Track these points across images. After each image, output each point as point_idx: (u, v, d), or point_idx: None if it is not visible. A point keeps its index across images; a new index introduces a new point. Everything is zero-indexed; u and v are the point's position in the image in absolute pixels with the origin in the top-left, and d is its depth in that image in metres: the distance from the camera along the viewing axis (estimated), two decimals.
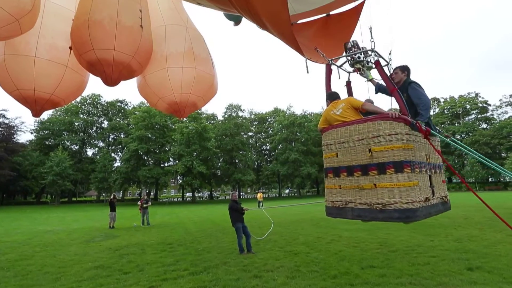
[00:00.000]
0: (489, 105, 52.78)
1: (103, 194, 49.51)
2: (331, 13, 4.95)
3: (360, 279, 4.87)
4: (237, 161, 49.04)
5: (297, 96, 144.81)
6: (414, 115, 3.05)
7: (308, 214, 16.34)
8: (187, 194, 62.80)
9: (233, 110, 52.56)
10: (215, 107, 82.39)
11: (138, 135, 40.49)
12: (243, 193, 70.00)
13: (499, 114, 51.65)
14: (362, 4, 4.78)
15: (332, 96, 3.37)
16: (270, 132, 58.31)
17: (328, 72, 3.46)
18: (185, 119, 47.09)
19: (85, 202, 51.18)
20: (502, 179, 47.83)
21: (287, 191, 72.29)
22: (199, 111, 46.09)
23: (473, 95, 54.08)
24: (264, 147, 60.08)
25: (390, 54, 3.15)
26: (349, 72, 3.49)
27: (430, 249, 6.92)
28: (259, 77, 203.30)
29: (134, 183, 44.04)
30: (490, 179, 49.30)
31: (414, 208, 2.53)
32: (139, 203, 14.75)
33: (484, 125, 51.90)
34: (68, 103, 6.07)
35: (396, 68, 3.31)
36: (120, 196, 48.97)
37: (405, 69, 3.29)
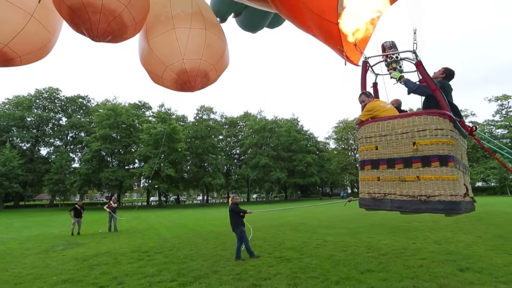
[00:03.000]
0: None
1: (57, 198, 45.50)
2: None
3: (364, 284, 4.71)
4: (206, 164, 47.93)
5: (268, 102, 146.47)
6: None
7: (284, 219, 16.20)
8: (152, 198, 60.07)
9: (204, 112, 51.45)
10: (186, 109, 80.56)
11: (102, 134, 37.81)
12: (210, 198, 68.60)
13: None
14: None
15: (370, 95, 3.48)
16: (240, 136, 57.95)
17: (364, 69, 3.45)
18: (153, 119, 45.20)
19: (35, 206, 46.44)
20: None
21: (254, 196, 72.21)
22: (168, 111, 44.47)
23: None
24: (234, 151, 59.51)
25: (416, 53, 3.16)
26: (376, 74, 3.56)
27: (417, 251, 7.03)
28: (231, 80, 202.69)
29: (94, 185, 40.98)
30: None
31: (457, 201, 2.59)
32: (106, 207, 13.53)
33: None
34: (25, 63, 4.84)
35: (441, 68, 3.49)
36: (78, 199, 45.38)
37: (444, 71, 3.48)
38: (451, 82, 3.49)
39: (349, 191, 63.54)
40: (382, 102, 3.35)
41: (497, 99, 48.21)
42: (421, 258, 6.34)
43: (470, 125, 3.04)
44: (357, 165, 3.18)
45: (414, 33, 3.07)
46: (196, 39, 4.91)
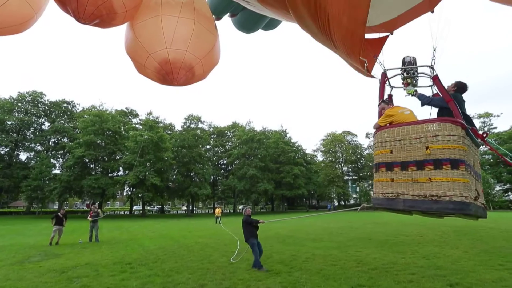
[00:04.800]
0: None
1: (34, 205, 43.55)
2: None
3: None
4: (193, 174, 47.23)
5: (257, 112, 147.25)
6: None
7: (271, 231, 15.98)
8: (135, 207, 58.40)
9: (192, 121, 51.07)
10: (174, 118, 79.52)
11: (86, 140, 36.72)
12: (195, 208, 67.35)
13: None
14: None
15: (389, 102, 3.66)
16: (228, 146, 57.66)
17: (383, 80, 3.62)
18: (139, 126, 44.40)
19: (10, 213, 44.19)
20: None
21: (241, 206, 71.45)
22: (156, 119, 43.86)
23: None
24: (221, 161, 59.05)
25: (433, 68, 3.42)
26: (392, 87, 3.74)
27: (406, 266, 7.00)
28: (220, 89, 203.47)
29: (75, 193, 39.47)
30: None
31: (467, 202, 2.73)
32: (89, 217, 12.93)
33: None
34: (3, 34, 4.55)
35: (454, 82, 3.77)
36: (56, 207, 43.56)
37: (456, 85, 3.74)
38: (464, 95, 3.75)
39: (336, 203, 63.82)
40: (400, 108, 3.50)
41: (479, 116, 50.25)
42: (410, 273, 6.31)
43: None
44: (372, 168, 3.32)
45: (434, 50, 3.32)
46: (183, 28, 4.67)
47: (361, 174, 62.93)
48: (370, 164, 61.21)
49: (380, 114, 3.58)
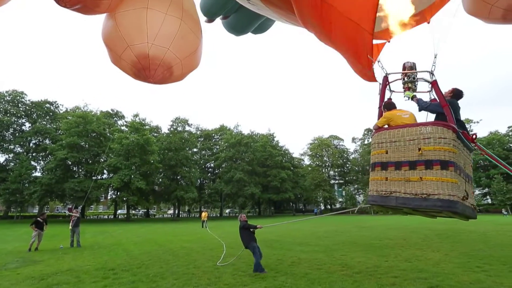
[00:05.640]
0: None
1: (13, 209, 41.85)
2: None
3: None
4: (179, 177, 46.64)
5: (245, 116, 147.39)
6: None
7: (258, 236, 15.70)
8: (119, 211, 57.10)
9: (179, 124, 50.55)
10: (160, 120, 78.27)
11: (69, 142, 35.68)
12: (181, 212, 66.46)
13: None
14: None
15: (392, 105, 3.81)
16: (215, 149, 57.34)
17: (385, 84, 3.75)
18: (125, 128, 43.57)
19: None
20: None
21: (227, 210, 71.06)
22: (142, 121, 43.17)
23: None
24: (208, 164, 58.60)
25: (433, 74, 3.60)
26: (392, 91, 3.90)
27: (389, 269, 7.14)
28: (209, 92, 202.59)
29: (57, 196, 38.20)
30: None
31: (455, 200, 2.90)
32: (71, 226, 12.47)
33: None
34: None
35: (451, 88, 3.96)
36: (36, 211, 42.02)
37: (452, 91, 3.93)
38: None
39: (322, 207, 64.38)
40: (400, 111, 3.68)
41: None
42: (393, 276, 6.44)
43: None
44: (369, 167, 3.49)
45: (435, 57, 3.49)
46: (169, 26, 4.56)
47: (347, 178, 63.80)
48: (356, 168, 62.22)
49: (380, 116, 3.76)
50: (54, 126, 43.03)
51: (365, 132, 63.04)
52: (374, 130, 3.70)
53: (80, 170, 39.95)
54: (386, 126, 3.68)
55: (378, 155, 3.51)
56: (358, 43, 3.34)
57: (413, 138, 3.23)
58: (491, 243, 11.49)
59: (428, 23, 4.99)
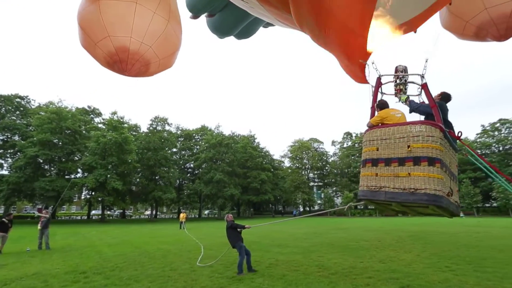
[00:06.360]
0: None
1: None
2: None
3: None
4: (158, 177, 45.65)
5: (226, 117, 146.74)
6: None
7: None
8: (94, 212, 55.01)
9: (159, 123, 49.52)
10: (139, 119, 75.59)
11: (41, 139, 33.93)
12: (159, 213, 65.05)
13: None
14: None
15: (385, 105, 3.98)
16: (196, 150, 56.65)
17: (378, 85, 3.90)
18: (103, 126, 42.11)
19: None
20: None
21: (206, 212, 70.38)
22: (121, 119, 41.90)
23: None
24: (188, 165, 57.78)
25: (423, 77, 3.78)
26: (383, 93, 4.02)
27: (364, 270, 7.32)
28: (189, 91, 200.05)
29: (25, 196, 36.20)
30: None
31: (440, 195, 3.05)
32: (39, 226, 11.82)
33: None
34: None
35: (440, 92, 4.20)
36: (2, 211, 39.55)
37: (441, 94, 4.17)
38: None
39: (301, 209, 65.16)
40: (393, 111, 3.85)
41: None
42: (367, 277, 6.60)
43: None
44: (360, 164, 3.66)
45: (426, 61, 3.66)
46: (156, 25, 4.63)
47: (326, 181, 64.90)
48: (335, 171, 63.46)
49: (373, 115, 3.90)
50: (25, 122, 40.79)
51: (345, 136, 64.46)
52: (367, 128, 3.83)
53: (52, 168, 38.13)
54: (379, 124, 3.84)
55: (369, 152, 3.65)
56: (352, 47, 3.42)
57: (403, 136, 3.38)
58: (459, 243, 12.08)
59: (415, 32, 5.19)
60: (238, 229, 7.51)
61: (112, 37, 4.45)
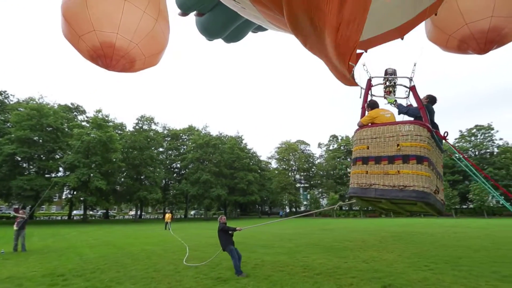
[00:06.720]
0: None
1: None
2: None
3: None
4: (143, 177, 44.83)
5: (214, 117, 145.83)
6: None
7: None
8: (75, 212, 53.44)
9: (145, 122, 48.68)
10: (125, 117, 73.92)
11: (19, 136, 32.62)
12: (144, 213, 63.88)
13: None
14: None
15: (376, 104, 4.09)
16: (183, 150, 56.02)
17: (368, 86, 4.01)
18: (87, 124, 40.99)
19: None
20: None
21: (192, 212, 69.72)
22: (106, 117, 40.89)
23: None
24: (174, 165, 57.06)
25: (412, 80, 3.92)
26: (372, 95, 4.15)
27: (348, 270, 7.42)
28: (177, 91, 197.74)
29: (1, 195, 34.70)
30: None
31: (427, 192, 3.16)
32: (15, 226, 11.31)
33: None
34: None
35: (426, 95, 4.35)
36: None
37: (428, 97, 4.33)
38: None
39: (288, 210, 65.51)
40: (383, 111, 3.98)
41: None
42: (351, 277, 6.70)
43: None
44: (350, 162, 3.78)
45: (414, 65, 3.80)
46: (145, 24, 4.64)
47: (312, 182, 65.55)
48: (321, 173, 64.18)
49: (363, 115, 4.00)
50: (2, 118, 39.18)
51: (331, 138, 65.22)
52: (358, 127, 3.91)
53: (32, 167, 36.76)
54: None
55: (360, 150, 3.73)
56: (342, 51, 3.49)
57: (393, 135, 3.50)
58: (437, 243, 12.46)
59: (402, 39, 5.33)
60: (230, 232, 7.45)
61: (97, 32, 4.41)
